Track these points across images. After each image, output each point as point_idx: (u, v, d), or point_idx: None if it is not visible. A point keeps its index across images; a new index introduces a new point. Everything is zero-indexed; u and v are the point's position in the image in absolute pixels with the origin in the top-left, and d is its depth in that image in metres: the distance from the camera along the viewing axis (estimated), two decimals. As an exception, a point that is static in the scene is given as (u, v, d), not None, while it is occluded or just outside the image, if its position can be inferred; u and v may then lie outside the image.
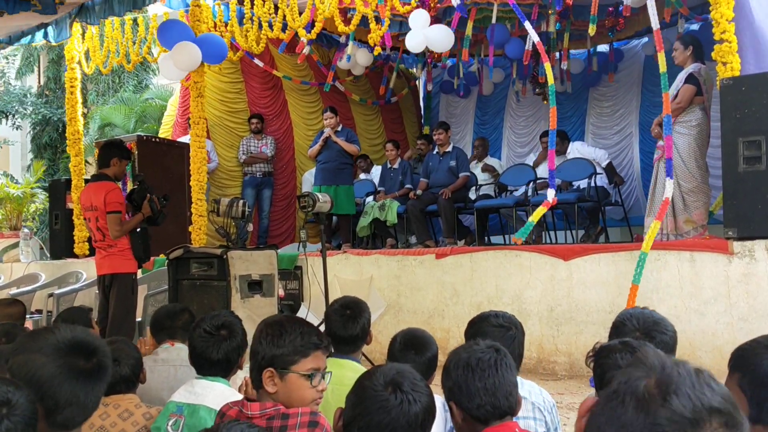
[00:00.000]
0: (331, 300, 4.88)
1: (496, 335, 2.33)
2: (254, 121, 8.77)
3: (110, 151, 5.18)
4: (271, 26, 7.35)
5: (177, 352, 3.08)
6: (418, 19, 6.81)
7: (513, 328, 2.43)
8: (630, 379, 0.86)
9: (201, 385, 2.44)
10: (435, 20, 7.51)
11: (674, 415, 0.81)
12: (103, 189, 4.95)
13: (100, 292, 5.16)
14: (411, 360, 2.40)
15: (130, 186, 8.07)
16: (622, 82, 9.26)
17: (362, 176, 9.15)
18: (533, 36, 6.38)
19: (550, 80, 5.96)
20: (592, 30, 6.42)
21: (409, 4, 6.69)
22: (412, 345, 2.56)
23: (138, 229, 5.13)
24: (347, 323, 2.79)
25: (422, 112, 11.30)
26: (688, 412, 0.81)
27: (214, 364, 2.47)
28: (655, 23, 5.39)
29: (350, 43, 8.48)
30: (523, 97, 9.82)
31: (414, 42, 6.96)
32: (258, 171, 8.73)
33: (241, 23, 7.78)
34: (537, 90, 9.13)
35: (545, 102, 9.56)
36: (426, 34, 6.89)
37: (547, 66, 5.97)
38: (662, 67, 5.33)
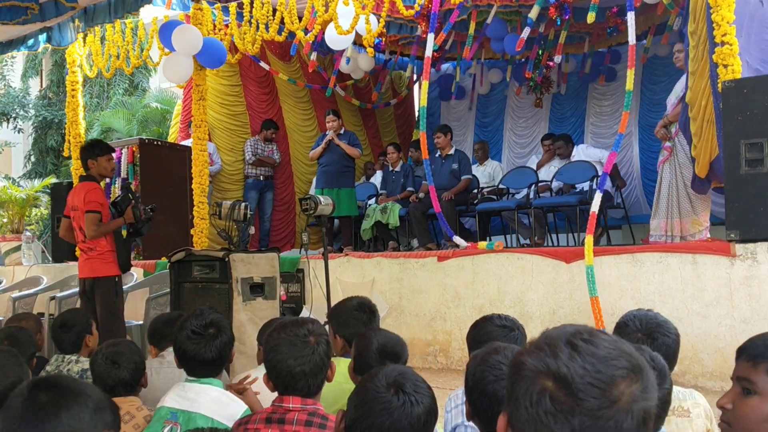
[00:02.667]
0: (333, 303, 4.88)
1: (500, 336, 2.34)
2: (273, 131, 8.76)
3: (83, 154, 5.11)
4: (267, 28, 7.36)
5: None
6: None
7: (516, 329, 2.43)
8: (530, 396, 0.92)
9: (194, 389, 2.40)
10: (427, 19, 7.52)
11: (593, 411, 0.88)
12: (84, 189, 4.94)
13: (81, 295, 5.10)
14: None
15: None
16: (621, 81, 9.25)
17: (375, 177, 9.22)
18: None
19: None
20: (591, 18, 6.30)
21: (413, 7, 6.69)
22: (390, 355, 2.44)
23: (124, 236, 5.08)
24: (369, 323, 2.82)
25: (417, 117, 11.32)
26: (603, 401, 0.88)
27: (208, 363, 2.44)
28: (632, 38, 5.35)
29: (349, 45, 8.49)
30: (517, 96, 9.83)
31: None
32: (261, 174, 8.73)
33: (240, 26, 7.80)
34: (536, 97, 9.15)
35: (539, 106, 9.58)
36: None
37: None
38: (629, 84, 5.31)
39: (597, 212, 5.37)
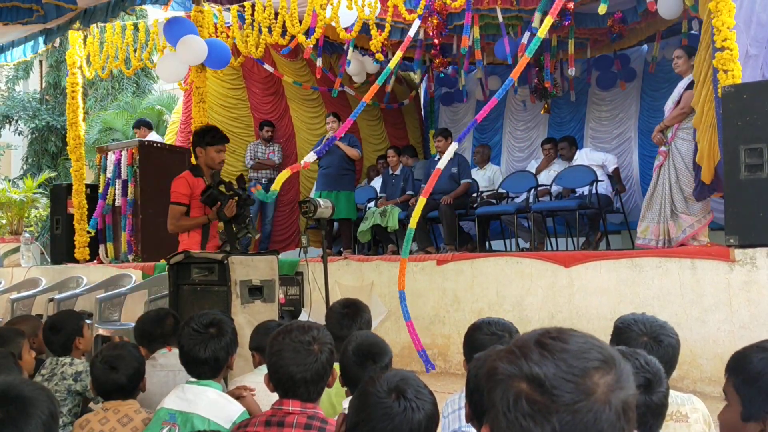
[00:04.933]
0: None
1: (490, 344, 2.33)
2: (267, 128, 8.76)
3: (192, 140, 4.73)
4: (270, 31, 7.37)
5: (175, 357, 3.07)
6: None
7: (507, 335, 2.41)
8: (506, 401, 0.91)
9: (193, 391, 2.41)
10: (440, 25, 7.54)
11: (570, 406, 0.87)
12: (175, 178, 4.65)
13: None
14: (372, 371, 2.25)
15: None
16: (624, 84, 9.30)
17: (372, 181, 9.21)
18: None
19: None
20: (602, 9, 6.24)
21: (415, 11, 6.70)
22: (369, 354, 2.37)
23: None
24: (343, 321, 2.80)
25: (424, 118, 11.36)
26: (578, 394, 0.88)
27: (201, 363, 2.44)
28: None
29: (350, 48, 8.50)
30: (531, 104, 9.86)
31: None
32: (264, 177, 8.71)
33: (241, 29, 7.81)
34: (544, 102, 9.15)
35: (548, 112, 9.57)
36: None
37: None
38: (542, 32, 5.34)
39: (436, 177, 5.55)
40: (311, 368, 2.03)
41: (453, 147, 5.66)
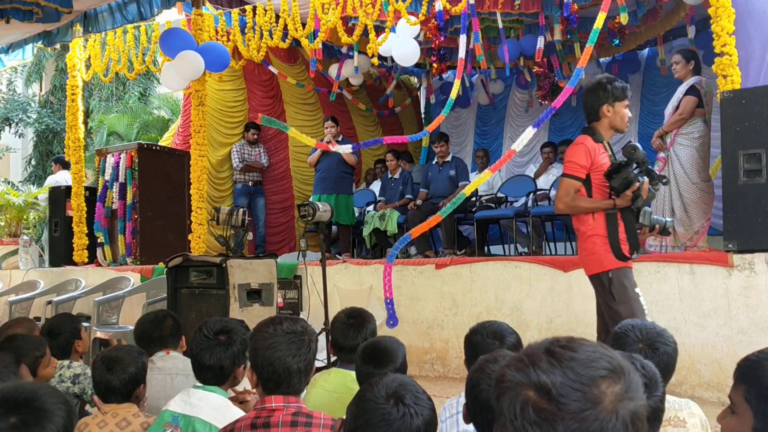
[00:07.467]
0: (330, 310, 4.87)
1: (486, 349, 2.33)
2: (254, 131, 8.68)
3: (593, 94, 3.62)
4: (271, 35, 7.38)
5: (173, 361, 3.07)
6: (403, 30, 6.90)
7: (498, 341, 2.41)
8: (513, 409, 0.90)
9: (197, 395, 2.41)
10: (438, 29, 7.55)
11: (576, 414, 0.87)
12: (571, 145, 3.72)
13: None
14: (372, 375, 2.28)
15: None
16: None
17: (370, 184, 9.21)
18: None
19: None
20: (624, 18, 6.27)
21: (416, 15, 6.71)
22: (372, 358, 2.43)
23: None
24: (348, 332, 2.80)
25: (423, 123, 11.38)
26: (584, 403, 0.87)
27: (206, 368, 2.44)
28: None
29: (355, 53, 8.51)
30: (532, 108, 9.89)
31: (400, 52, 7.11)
32: (250, 180, 8.64)
33: (243, 32, 7.81)
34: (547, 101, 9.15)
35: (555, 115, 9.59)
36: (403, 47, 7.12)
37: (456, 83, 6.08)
38: (598, 23, 5.36)
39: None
40: (305, 358, 2.05)
41: (529, 132, 5.37)
